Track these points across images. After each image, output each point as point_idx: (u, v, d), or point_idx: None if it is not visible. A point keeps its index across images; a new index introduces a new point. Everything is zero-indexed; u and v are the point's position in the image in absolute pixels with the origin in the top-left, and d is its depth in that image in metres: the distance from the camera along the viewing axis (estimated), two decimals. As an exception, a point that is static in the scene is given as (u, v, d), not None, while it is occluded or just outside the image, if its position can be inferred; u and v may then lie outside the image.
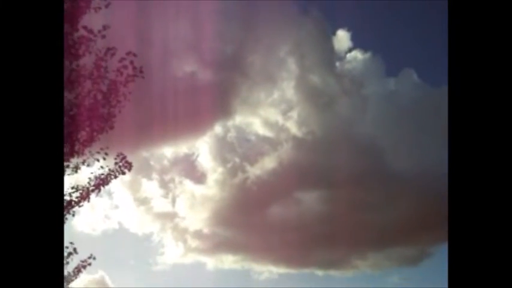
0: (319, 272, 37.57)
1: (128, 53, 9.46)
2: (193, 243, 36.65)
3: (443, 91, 35.51)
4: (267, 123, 34.21)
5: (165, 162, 35.93)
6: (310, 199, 34.99)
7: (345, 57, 35.82)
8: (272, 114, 34.09)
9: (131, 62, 9.49)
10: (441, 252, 37.48)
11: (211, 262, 38.33)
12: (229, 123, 34.64)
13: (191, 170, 35.81)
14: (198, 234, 36.41)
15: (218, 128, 34.70)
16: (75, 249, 10.33)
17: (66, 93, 8.88)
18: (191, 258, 37.85)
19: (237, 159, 34.31)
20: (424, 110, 35.58)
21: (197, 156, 35.36)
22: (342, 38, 35.40)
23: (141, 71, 9.65)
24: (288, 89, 34.09)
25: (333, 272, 38.33)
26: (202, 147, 35.34)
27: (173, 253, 37.84)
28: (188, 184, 36.06)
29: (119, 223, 36.32)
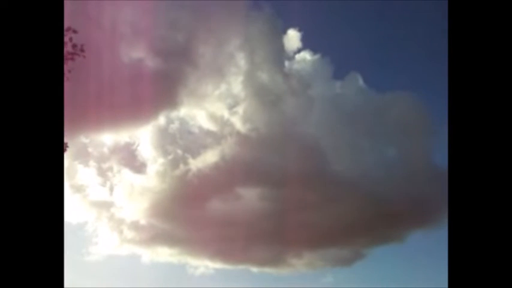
0: (255, 269, 37.83)
1: (68, 29, 9.05)
2: (129, 234, 36.00)
3: (387, 97, 36.62)
4: (212, 117, 34.01)
5: (105, 149, 35.01)
6: (250, 195, 35.08)
7: (293, 57, 36.14)
8: (218, 108, 33.94)
9: (70, 39, 9.13)
10: (374, 254, 38.67)
11: (146, 254, 37.79)
12: (174, 114, 34.23)
13: (131, 159, 35.07)
14: (134, 225, 35.81)
15: (162, 118, 34.20)
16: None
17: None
18: (126, 249, 37.17)
19: (179, 151, 33.96)
20: (367, 114, 36.48)
21: (138, 145, 34.69)
22: (292, 38, 35.68)
23: (81, 50, 9.29)
24: (235, 84, 34.01)
25: (268, 270, 38.68)
26: (143, 137, 34.68)
27: (108, 244, 37.00)
28: (127, 173, 35.32)
29: (52, 210, 35.00)
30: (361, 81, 36.86)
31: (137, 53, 29.09)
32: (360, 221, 34.47)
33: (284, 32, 35.43)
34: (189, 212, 35.13)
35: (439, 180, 34.65)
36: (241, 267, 37.93)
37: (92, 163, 34.65)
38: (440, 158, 38.47)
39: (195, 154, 33.64)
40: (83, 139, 32.98)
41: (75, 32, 9.16)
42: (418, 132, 36.03)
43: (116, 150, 35.10)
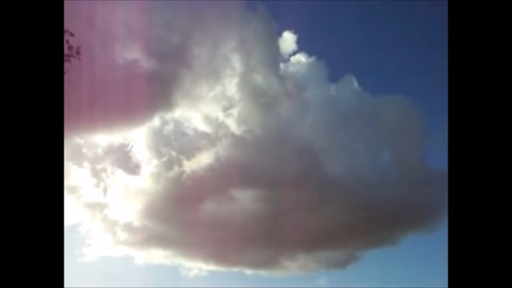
0: (248, 271, 37.79)
1: (65, 32, 9.06)
2: (123, 235, 35.86)
3: (382, 100, 36.69)
4: (207, 119, 33.94)
5: (99, 150, 34.84)
6: (245, 197, 35.04)
7: (289, 59, 36.16)
8: (213, 110, 33.87)
9: (67, 41, 9.14)
10: (368, 256, 38.73)
11: (140, 256, 37.66)
12: (168, 115, 34.12)
13: (125, 161, 34.92)
14: (128, 227, 35.67)
15: (157, 120, 34.11)
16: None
17: None
18: (120, 251, 37.02)
19: (174, 153, 33.87)
20: (362, 117, 36.56)
21: (132, 146, 34.57)
22: (288, 40, 35.70)
23: (77, 52, 9.31)
24: (230, 86, 33.92)
25: (261, 272, 38.66)
26: (138, 138, 34.56)
27: (101, 245, 36.83)
28: (121, 175, 35.15)
29: (45, 211, 34.74)
30: (356, 84, 36.99)
31: (132, 54, 29.02)
32: (354, 223, 34.52)
33: (279, 34, 35.50)
34: (183, 214, 35.07)
35: (433, 183, 34.91)
36: (235, 269, 37.93)
37: (86, 164, 34.52)
38: (435, 161, 38.71)
39: (189, 156, 33.59)
40: (77, 140, 32.90)
41: (72, 35, 9.20)
42: (413, 135, 36.18)
43: (110, 151, 35.00)
